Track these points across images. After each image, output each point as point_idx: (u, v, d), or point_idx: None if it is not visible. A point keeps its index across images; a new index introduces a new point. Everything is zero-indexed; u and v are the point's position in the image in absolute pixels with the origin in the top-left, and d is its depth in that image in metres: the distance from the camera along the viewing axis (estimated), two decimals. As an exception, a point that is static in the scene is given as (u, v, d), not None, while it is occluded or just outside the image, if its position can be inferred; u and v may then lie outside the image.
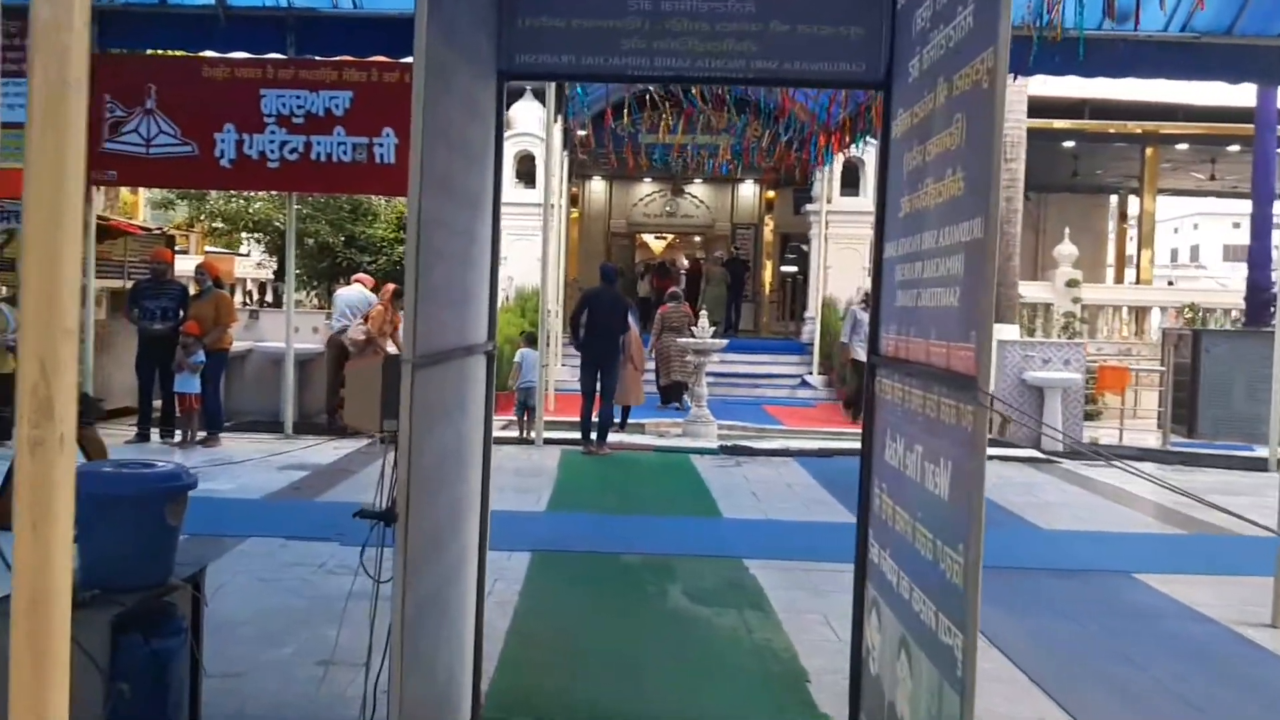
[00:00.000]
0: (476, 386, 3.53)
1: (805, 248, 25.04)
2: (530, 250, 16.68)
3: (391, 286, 11.83)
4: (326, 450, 9.94)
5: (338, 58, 9.81)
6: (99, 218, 10.50)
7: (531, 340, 11.95)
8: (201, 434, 9.69)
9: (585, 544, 6.64)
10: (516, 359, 12.24)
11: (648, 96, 15.61)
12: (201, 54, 9.96)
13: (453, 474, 3.20)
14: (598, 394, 10.58)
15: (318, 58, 9.77)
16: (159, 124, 9.62)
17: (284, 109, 9.84)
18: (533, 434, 10.97)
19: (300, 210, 13.45)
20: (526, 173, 18.79)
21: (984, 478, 2.49)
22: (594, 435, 10.54)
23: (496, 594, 5.39)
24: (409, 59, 9.43)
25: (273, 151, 9.86)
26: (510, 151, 18.96)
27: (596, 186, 27.65)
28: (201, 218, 14.10)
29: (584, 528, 7.14)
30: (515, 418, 11.90)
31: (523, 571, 5.85)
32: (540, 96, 14.81)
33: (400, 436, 2.47)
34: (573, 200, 26.53)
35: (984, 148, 2.61)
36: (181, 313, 9.58)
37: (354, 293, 11.53)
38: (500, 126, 3.78)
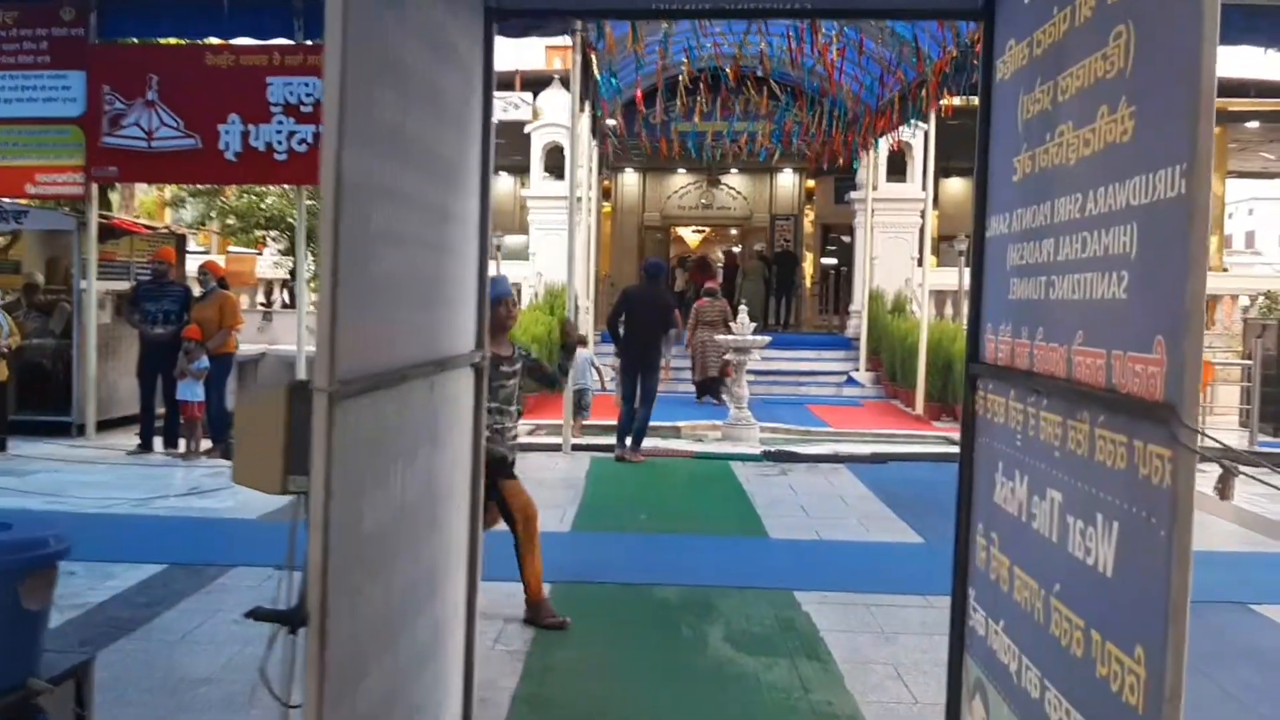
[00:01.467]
0: (456, 409, 2.74)
1: (847, 239, 24.12)
2: (560, 245, 15.91)
3: None
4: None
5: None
6: (101, 216, 9.87)
7: (582, 341, 11.39)
8: (206, 444, 9.03)
9: (613, 573, 5.83)
10: None
11: (680, 78, 14.77)
12: (205, 41, 9.30)
13: (418, 533, 2.41)
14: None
15: (327, 41, 9.07)
16: (161, 116, 9.00)
17: (291, 97, 9.15)
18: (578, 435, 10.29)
19: (314, 205, 12.76)
20: (556, 166, 18.01)
21: (1189, 554, 1.65)
22: (629, 441, 9.77)
23: (505, 641, 4.62)
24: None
25: (280, 143, 9.17)
26: (538, 143, 18.19)
27: (629, 179, 26.83)
28: (213, 215, 13.39)
29: (612, 552, 6.34)
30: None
31: (540, 610, 5.06)
32: (566, 83, 14.01)
33: (313, 502, 1.67)
34: (605, 194, 25.75)
35: (1176, 62, 1.77)
36: (185, 316, 8.92)
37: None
38: (489, 82, 2.98)
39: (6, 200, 9.80)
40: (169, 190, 15.03)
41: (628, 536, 6.84)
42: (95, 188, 9.53)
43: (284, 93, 9.13)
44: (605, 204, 26.02)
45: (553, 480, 8.63)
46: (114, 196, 13.00)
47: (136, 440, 9.15)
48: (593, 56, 11.68)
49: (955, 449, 10.31)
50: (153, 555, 5.85)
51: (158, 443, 9.18)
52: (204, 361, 8.79)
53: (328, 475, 1.65)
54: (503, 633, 4.75)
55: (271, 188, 13.17)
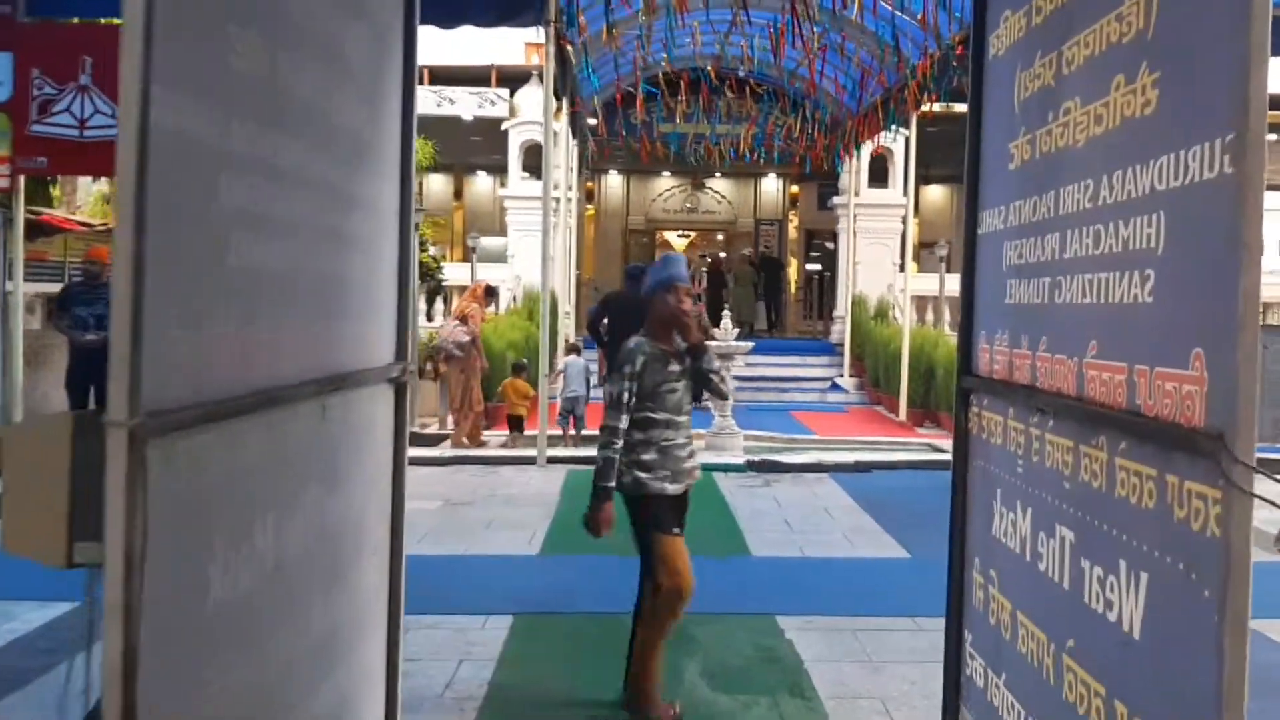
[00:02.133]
0: (366, 437, 2.39)
1: (830, 245, 23.91)
2: (539, 246, 15.60)
3: (483, 283, 11.00)
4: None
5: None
6: (30, 212, 9.33)
7: (576, 349, 11.18)
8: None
9: (583, 601, 5.48)
10: (560, 367, 11.33)
11: (659, 77, 14.45)
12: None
13: (307, 596, 2.05)
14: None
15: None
16: (95, 102, 8.44)
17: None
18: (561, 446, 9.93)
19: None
20: (535, 165, 17.68)
21: (1245, 622, 1.32)
22: None
23: (457, 687, 4.25)
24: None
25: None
26: (516, 141, 17.84)
27: (613, 182, 26.53)
28: None
29: (583, 577, 5.98)
30: (560, 429, 11.35)
31: (498, 647, 4.70)
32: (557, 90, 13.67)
33: (109, 580, 1.26)
34: (588, 196, 25.43)
35: (1214, 12, 1.45)
36: None
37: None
38: (411, 44, 2.64)
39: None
40: (105, 184, 14.50)
41: (600, 559, 6.44)
42: (23, 180, 8.98)
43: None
44: (589, 207, 25.70)
45: (524, 497, 8.27)
46: (55, 191, 12.41)
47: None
48: (569, 49, 11.33)
49: (938, 456, 9.93)
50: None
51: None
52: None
53: (131, 542, 1.25)
54: (454, 677, 4.38)
55: None
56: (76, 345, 8.54)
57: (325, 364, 2.13)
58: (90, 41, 8.86)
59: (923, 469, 9.97)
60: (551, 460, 9.70)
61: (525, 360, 12.01)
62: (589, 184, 25.13)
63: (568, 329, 16.43)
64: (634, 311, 10.02)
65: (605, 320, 9.74)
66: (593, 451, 9.98)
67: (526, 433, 11.17)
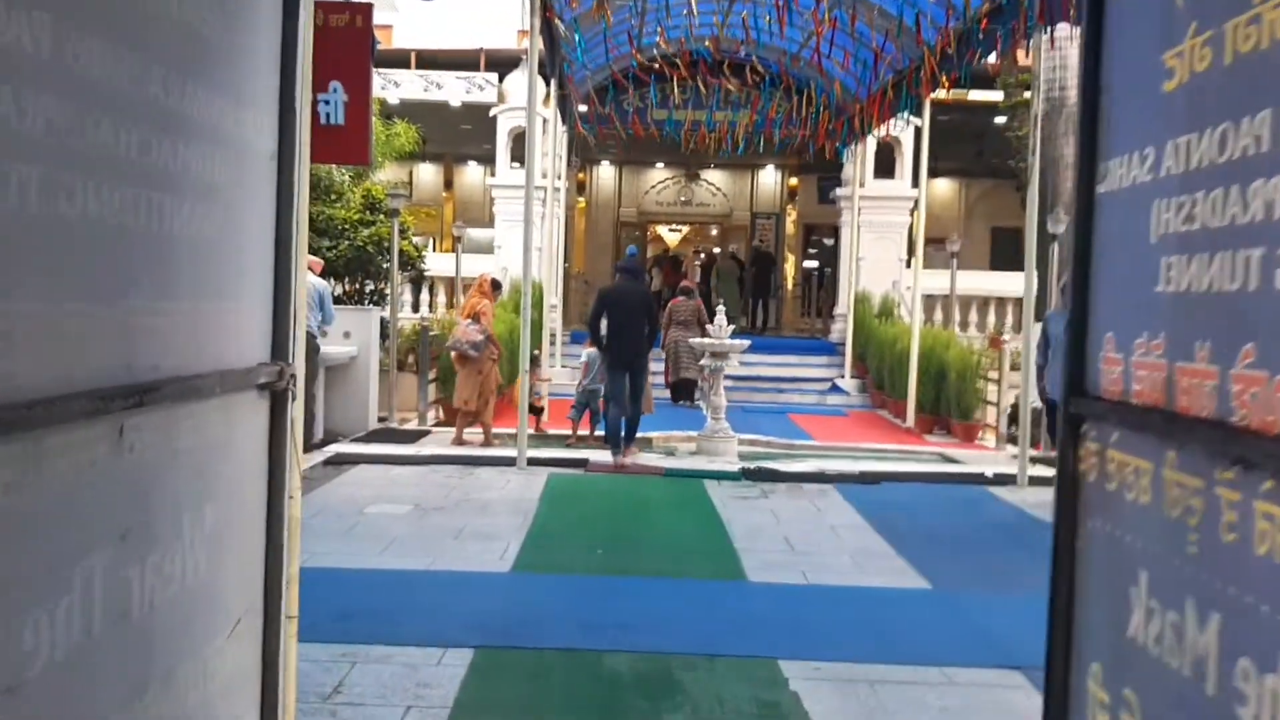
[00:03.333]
0: (223, 468, 1.62)
1: (830, 241, 23.18)
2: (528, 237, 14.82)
3: (489, 277, 10.40)
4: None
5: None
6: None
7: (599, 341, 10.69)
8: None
9: (553, 633, 4.71)
10: (583, 358, 10.72)
11: (655, 58, 13.66)
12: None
13: (92, 708, 1.28)
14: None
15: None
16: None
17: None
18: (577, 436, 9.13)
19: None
20: (524, 154, 16.91)
21: None
22: (623, 443, 9.34)
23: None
24: (365, -1, 7.62)
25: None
26: (504, 128, 17.06)
27: (605, 173, 25.76)
28: None
29: (557, 602, 5.22)
30: (571, 425, 11.00)
31: (454, 688, 3.93)
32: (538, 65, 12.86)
33: None
34: (579, 188, 24.66)
35: None
36: None
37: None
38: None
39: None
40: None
41: (578, 580, 5.72)
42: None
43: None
44: (580, 199, 24.94)
45: (500, 503, 7.50)
46: None
47: None
48: (557, 25, 10.56)
49: (954, 468, 9.14)
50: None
51: None
52: None
53: None
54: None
55: None
56: None
57: (133, 365, 1.37)
58: None
59: (937, 482, 9.25)
60: (532, 462, 8.94)
61: (538, 353, 11.69)
62: (580, 175, 24.37)
63: (553, 323, 15.67)
64: (632, 301, 9.56)
65: (604, 314, 9.30)
66: (581, 453, 9.26)
67: (504, 430, 10.41)
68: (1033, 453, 9.54)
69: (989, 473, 9.38)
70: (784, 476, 8.96)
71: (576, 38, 11.69)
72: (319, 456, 8.92)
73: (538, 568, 5.87)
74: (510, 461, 8.96)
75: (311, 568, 5.44)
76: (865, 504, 7.90)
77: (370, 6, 8.16)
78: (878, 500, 8.13)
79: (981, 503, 8.42)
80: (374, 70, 14.28)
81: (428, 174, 24.80)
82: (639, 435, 10.04)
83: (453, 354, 10.34)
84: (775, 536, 6.84)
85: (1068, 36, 14.06)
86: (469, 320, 10.23)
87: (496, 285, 10.75)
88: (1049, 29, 10.00)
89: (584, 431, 10.99)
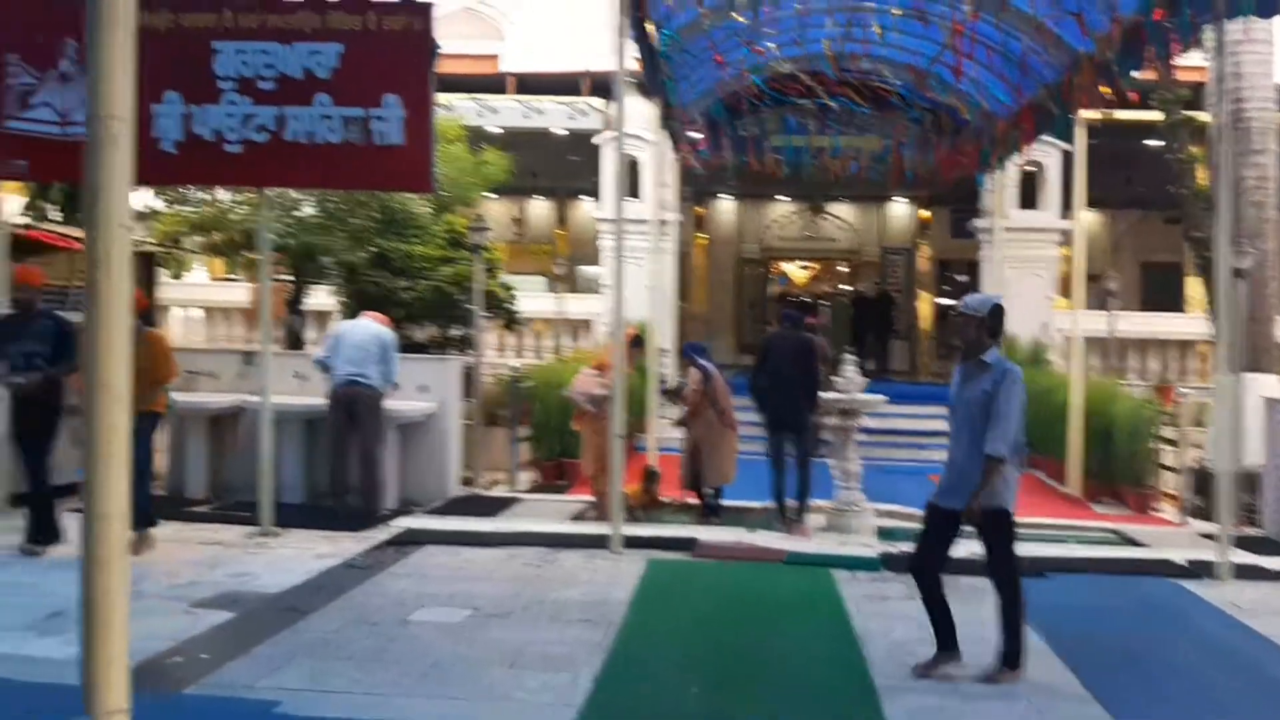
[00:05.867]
0: None
1: (964, 277, 21.34)
2: (637, 276, 13.56)
3: (632, 330, 9.07)
4: (302, 559, 6.91)
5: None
6: (18, 228, 7.76)
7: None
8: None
9: None
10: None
11: (770, 83, 12.19)
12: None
13: None
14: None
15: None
16: (80, 93, 6.81)
17: (247, 70, 6.97)
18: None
19: (307, 219, 10.53)
20: (632, 184, 15.73)
21: None
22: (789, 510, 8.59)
23: None
24: None
25: (232, 130, 6.98)
26: (608, 155, 15.90)
27: (724, 207, 24.42)
28: (185, 229, 11.30)
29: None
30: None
31: None
32: (644, 88, 11.64)
33: None
34: (697, 224, 23.39)
35: None
36: (63, 358, 6.61)
37: (363, 332, 8.51)
38: None
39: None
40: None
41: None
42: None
43: (236, 63, 6.99)
44: (700, 235, 23.71)
45: (579, 605, 6.07)
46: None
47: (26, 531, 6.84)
48: (652, 35, 9.22)
49: (1133, 552, 7.00)
50: None
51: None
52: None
53: None
54: None
55: (232, 192, 10.76)
56: (11, 391, 6.80)
57: None
58: (73, 21, 7.16)
59: (1118, 572, 7.47)
60: (631, 543, 7.50)
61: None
62: (698, 209, 23.11)
63: (663, 369, 14.31)
64: (792, 353, 8.34)
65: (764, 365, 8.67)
66: (672, 531, 7.76)
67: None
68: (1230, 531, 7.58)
69: (1180, 559, 7.57)
70: (933, 567, 7.27)
71: (681, 57, 10.37)
72: (383, 534, 7.72)
73: (615, 713, 4.43)
74: (603, 541, 7.55)
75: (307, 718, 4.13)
76: (1037, 608, 6.15)
77: (430, 6, 6.99)
78: (1051, 603, 6.40)
79: (1179, 606, 6.65)
80: (471, 96, 13.29)
81: (540, 210, 23.95)
82: (748, 505, 8.62)
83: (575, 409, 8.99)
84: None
85: (1239, 40, 12.08)
86: (594, 371, 8.84)
87: (638, 341, 9.26)
88: (1223, 23, 7.96)
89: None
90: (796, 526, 8.46)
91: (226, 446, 9.03)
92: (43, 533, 6.73)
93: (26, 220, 9.14)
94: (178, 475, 9.04)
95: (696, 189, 19.94)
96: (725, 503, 9.35)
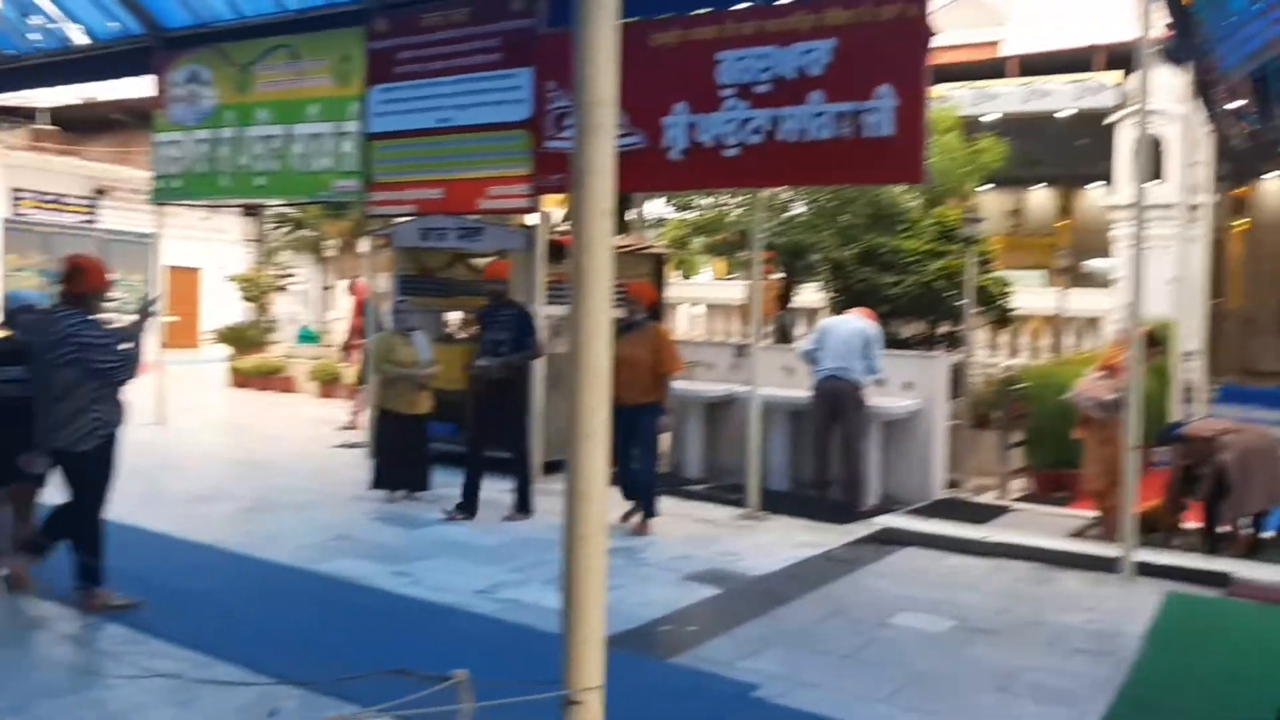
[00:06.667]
0: None
1: None
2: (1158, 268, 12.08)
3: (1145, 328, 8.23)
4: (784, 545, 7.05)
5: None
6: (559, 236, 8.79)
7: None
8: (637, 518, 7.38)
9: None
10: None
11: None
12: (651, 17, 7.72)
13: None
14: None
15: (787, -1, 7.06)
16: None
17: (745, 75, 7.22)
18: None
19: (797, 218, 10.68)
20: (1152, 167, 13.93)
21: None
22: None
23: None
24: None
25: (729, 135, 7.28)
26: (1125, 136, 14.24)
27: (1271, 188, 20.82)
28: (689, 232, 11.97)
29: None
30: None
31: None
32: (1173, 54, 10.23)
33: None
34: (1236, 207, 20.22)
35: None
36: (524, 345, 7.30)
37: (848, 327, 8.44)
38: None
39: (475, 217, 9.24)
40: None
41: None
42: (540, 200, 8.47)
43: (736, 70, 7.25)
44: (1238, 221, 20.51)
45: (1082, 634, 5.42)
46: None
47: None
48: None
49: None
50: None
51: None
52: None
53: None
54: None
55: (728, 195, 11.18)
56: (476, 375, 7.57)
57: None
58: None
59: None
60: (1145, 570, 6.61)
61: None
62: (1239, 190, 19.93)
63: (1189, 372, 12.55)
64: None
65: None
66: (1229, 565, 6.61)
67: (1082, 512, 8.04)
68: None
69: None
70: None
71: (1211, 10, 8.92)
72: (864, 529, 7.63)
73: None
74: (1110, 565, 6.74)
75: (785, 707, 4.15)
76: None
77: (926, -10, 6.75)
78: None
79: None
80: (969, 85, 12.73)
81: (1040, 200, 22.33)
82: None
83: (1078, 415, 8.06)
84: None
85: None
86: (1102, 373, 7.86)
87: (1154, 340, 7.99)
88: None
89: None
90: None
91: (720, 432, 9.53)
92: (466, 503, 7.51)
93: (564, 228, 10.46)
94: (678, 456, 9.74)
95: (1236, 167, 17.19)
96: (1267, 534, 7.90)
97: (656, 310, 7.33)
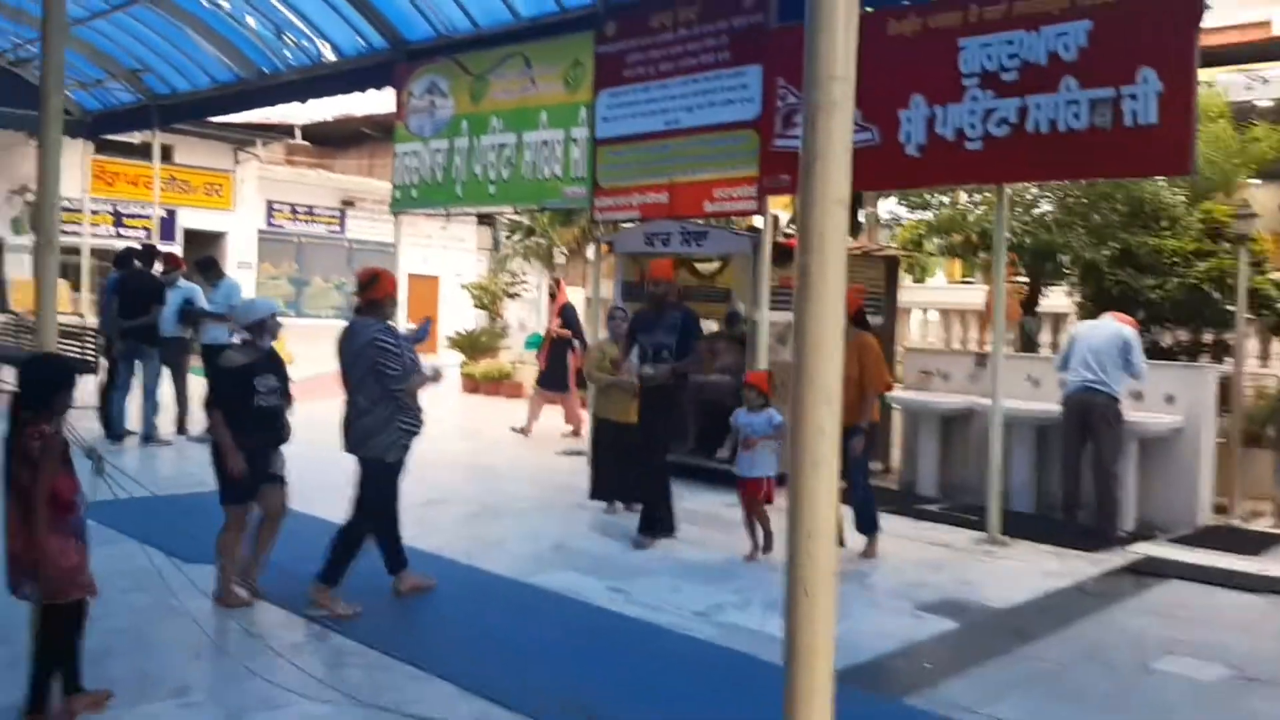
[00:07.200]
0: None
1: None
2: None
3: None
4: (1028, 574, 6.49)
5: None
6: (785, 238, 8.53)
7: None
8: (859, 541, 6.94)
9: None
10: None
11: None
12: (888, 5, 7.34)
13: None
14: None
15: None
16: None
17: (990, 63, 6.74)
18: None
19: (1044, 216, 9.84)
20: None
21: None
22: None
23: None
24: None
25: (973, 126, 6.82)
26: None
27: None
28: (925, 232, 11.23)
29: None
30: None
31: None
32: None
33: None
34: None
35: None
36: (688, 349, 6.76)
37: (1102, 333, 7.71)
38: None
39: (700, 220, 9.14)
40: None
41: None
42: (768, 201, 8.22)
43: (980, 58, 6.77)
44: None
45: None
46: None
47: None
48: None
49: None
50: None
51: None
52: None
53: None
54: None
55: (968, 193, 10.42)
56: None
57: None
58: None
59: None
60: None
61: None
62: None
63: None
64: None
65: None
66: None
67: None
68: None
69: None
70: None
71: None
72: (1119, 558, 6.94)
73: None
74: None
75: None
76: None
77: (1203, -43, 6.03)
78: None
79: None
80: (1239, 68, 11.45)
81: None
82: None
83: None
84: None
85: None
86: None
87: None
88: None
89: None
90: None
91: (957, 447, 8.98)
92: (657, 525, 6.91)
93: (790, 231, 10.18)
94: (910, 472, 9.25)
95: None
96: None
97: (861, 318, 6.78)
